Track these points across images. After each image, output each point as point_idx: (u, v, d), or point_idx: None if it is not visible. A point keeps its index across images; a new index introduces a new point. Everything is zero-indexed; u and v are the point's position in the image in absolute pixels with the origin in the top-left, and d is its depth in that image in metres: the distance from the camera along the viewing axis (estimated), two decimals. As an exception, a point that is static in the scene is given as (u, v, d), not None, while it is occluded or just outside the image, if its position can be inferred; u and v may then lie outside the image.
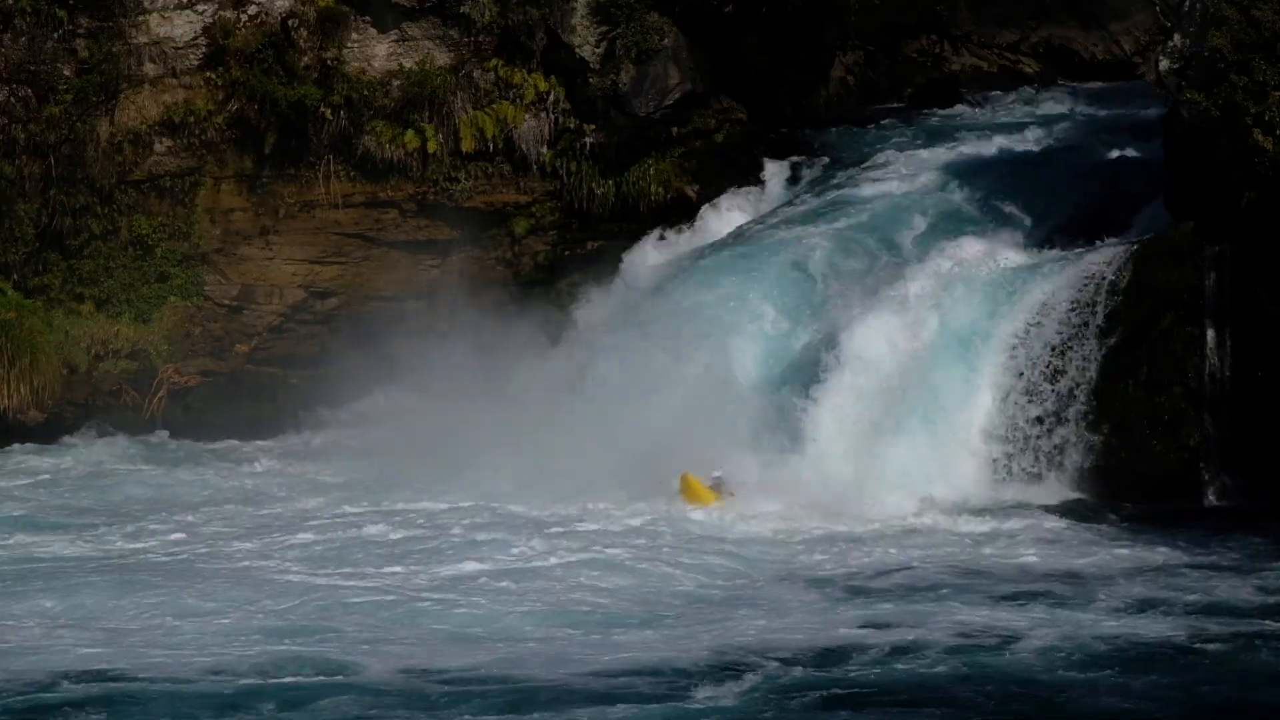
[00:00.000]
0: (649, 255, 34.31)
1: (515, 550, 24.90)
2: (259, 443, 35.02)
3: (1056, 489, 27.71)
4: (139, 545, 26.17)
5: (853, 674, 19.04)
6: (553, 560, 24.37)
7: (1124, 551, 24.54)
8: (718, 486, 27.33)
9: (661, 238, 34.56)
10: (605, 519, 26.90)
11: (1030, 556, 24.49)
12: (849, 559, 24.59)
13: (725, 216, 34.75)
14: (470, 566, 24.08)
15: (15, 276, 35.35)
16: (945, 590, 22.54)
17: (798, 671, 19.08)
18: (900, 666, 19.28)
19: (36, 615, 21.96)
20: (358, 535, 26.24)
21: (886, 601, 22.12)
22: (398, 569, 24.11)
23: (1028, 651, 19.73)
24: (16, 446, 34.02)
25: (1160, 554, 24.29)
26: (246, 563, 24.75)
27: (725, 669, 19.15)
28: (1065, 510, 26.83)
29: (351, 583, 23.40)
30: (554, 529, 26.19)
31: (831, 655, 19.68)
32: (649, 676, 18.95)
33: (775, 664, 19.29)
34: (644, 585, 23.08)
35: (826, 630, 20.74)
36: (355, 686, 18.71)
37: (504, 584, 23.21)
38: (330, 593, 22.77)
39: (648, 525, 26.51)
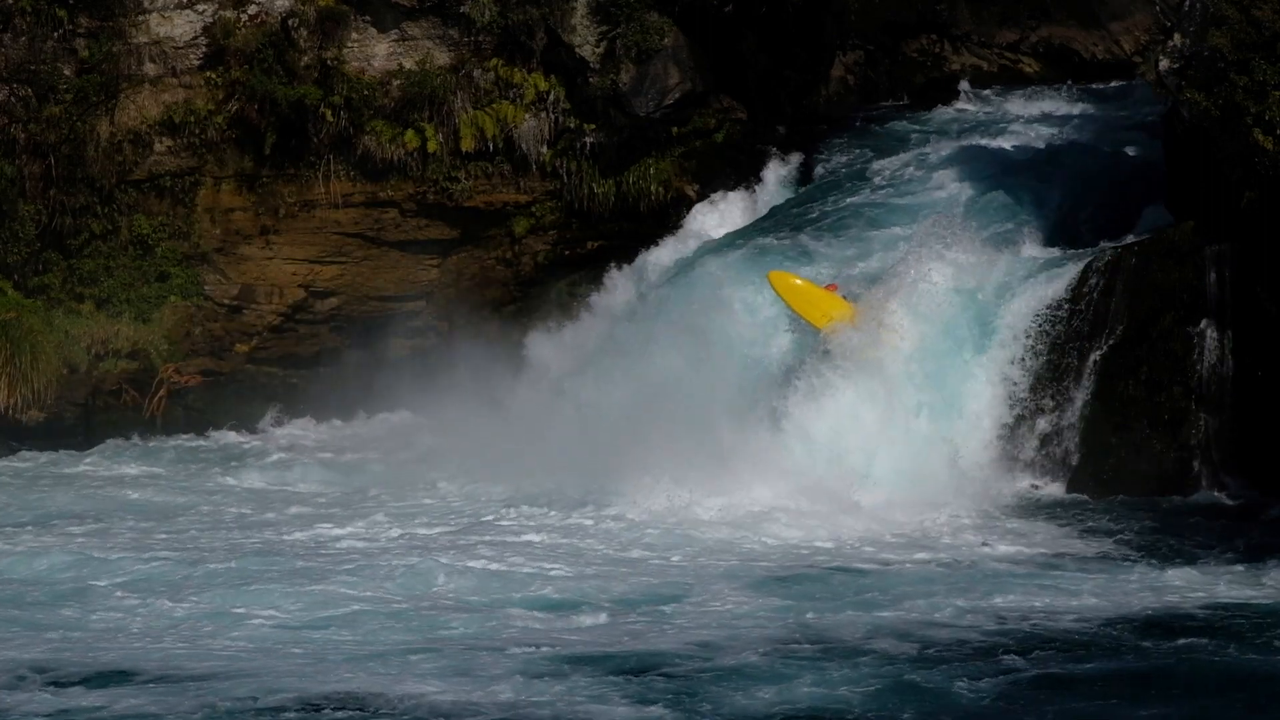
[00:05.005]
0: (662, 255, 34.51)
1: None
2: (258, 443, 35.06)
3: (1056, 488, 27.75)
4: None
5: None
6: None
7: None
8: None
9: (658, 243, 34.68)
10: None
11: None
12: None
13: (723, 216, 34.80)
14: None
15: (15, 276, 35.34)
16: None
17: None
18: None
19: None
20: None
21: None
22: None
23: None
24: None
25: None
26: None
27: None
28: (1065, 509, 26.86)
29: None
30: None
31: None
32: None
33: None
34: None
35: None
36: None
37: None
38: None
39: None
